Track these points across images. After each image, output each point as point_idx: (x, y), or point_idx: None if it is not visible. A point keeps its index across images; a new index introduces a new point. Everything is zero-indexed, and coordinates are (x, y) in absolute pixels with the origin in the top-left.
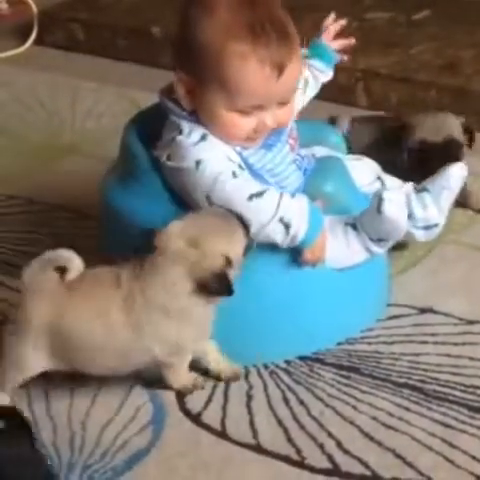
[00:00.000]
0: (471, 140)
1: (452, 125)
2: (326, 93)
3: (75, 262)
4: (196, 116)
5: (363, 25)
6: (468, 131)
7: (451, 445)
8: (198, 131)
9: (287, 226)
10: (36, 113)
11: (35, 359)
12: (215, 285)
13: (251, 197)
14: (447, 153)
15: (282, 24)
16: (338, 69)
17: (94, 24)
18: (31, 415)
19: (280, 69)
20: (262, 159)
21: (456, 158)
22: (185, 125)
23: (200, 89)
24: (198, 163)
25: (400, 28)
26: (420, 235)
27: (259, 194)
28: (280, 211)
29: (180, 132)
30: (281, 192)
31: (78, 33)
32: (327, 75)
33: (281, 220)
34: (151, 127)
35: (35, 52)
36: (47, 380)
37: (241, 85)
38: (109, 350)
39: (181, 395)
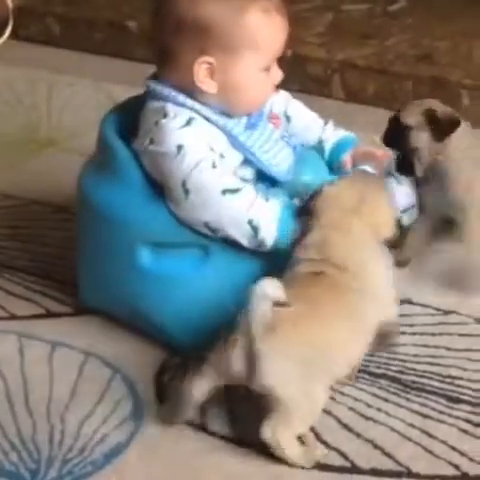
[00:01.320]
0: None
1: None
2: (302, 85)
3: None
4: (194, 99)
5: (339, 16)
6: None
7: (430, 435)
8: (184, 115)
9: (255, 230)
10: (12, 107)
11: None
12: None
13: (225, 192)
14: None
15: None
16: (313, 60)
17: (70, 18)
18: (10, 408)
19: (286, 15)
20: (250, 137)
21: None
22: (171, 109)
23: (231, 63)
24: (179, 148)
25: (376, 19)
26: (404, 219)
27: (234, 191)
28: (251, 213)
29: (164, 115)
30: (256, 194)
31: (54, 27)
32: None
33: (250, 222)
34: (128, 120)
35: (10, 46)
36: (25, 374)
37: (271, 37)
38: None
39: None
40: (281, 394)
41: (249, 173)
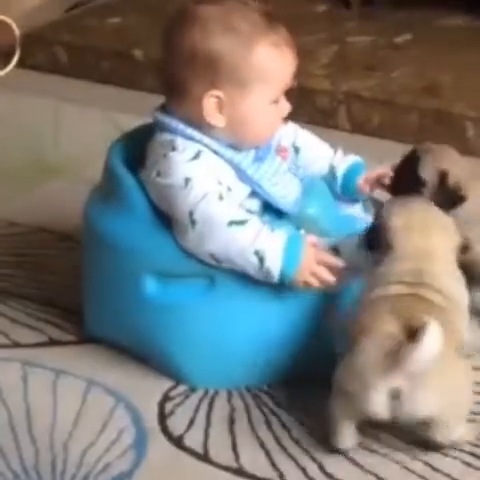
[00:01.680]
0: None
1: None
2: (308, 116)
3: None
4: (202, 132)
5: (345, 48)
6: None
7: (433, 468)
8: (192, 148)
9: (261, 260)
10: (18, 135)
11: None
12: None
13: (231, 223)
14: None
15: (273, 10)
16: (319, 92)
17: (77, 46)
18: (13, 437)
19: (294, 47)
20: (258, 170)
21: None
22: (179, 142)
23: (240, 97)
24: (187, 181)
25: (381, 51)
26: None
27: (240, 222)
28: (256, 244)
29: (173, 148)
30: (262, 225)
31: (61, 56)
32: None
33: (256, 253)
34: (135, 150)
35: (17, 75)
36: (29, 402)
37: (280, 71)
38: None
39: (163, 417)
40: (435, 412)
41: (256, 205)
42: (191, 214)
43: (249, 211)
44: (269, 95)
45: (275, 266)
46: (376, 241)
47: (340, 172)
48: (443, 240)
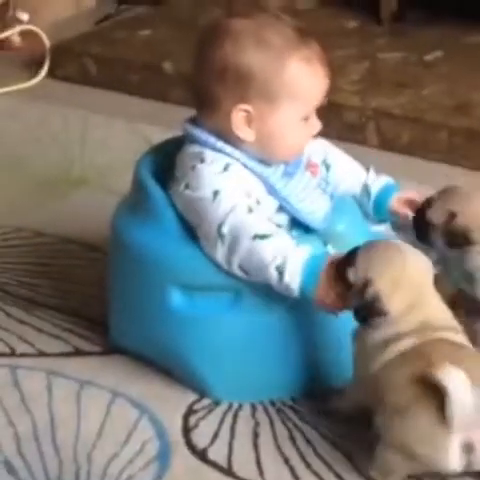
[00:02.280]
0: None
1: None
2: (336, 132)
3: None
4: (233, 146)
5: (375, 64)
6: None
7: None
8: (221, 161)
9: (281, 274)
10: (46, 146)
11: None
12: None
13: (255, 237)
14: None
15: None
16: (348, 108)
17: (106, 58)
18: (37, 447)
19: (326, 64)
20: (286, 186)
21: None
22: (208, 154)
23: (270, 112)
24: (216, 193)
25: (412, 68)
26: None
27: (264, 236)
28: (278, 259)
29: (202, 161)
30: (286, 240)
31: (90, 67)
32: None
33: (277, 268)
34: (164, 162)
35: (47, 85)
36: (53, 412)
37: (312, 86)
38: None
39: (187, 430)
40: None
41: (284, 219)
42: (220, 227)
43: (277, 225)
44: (299, 111)
45: (294, 281)
46: (368, 313)
47: (374, 191)
48: (425, 273)
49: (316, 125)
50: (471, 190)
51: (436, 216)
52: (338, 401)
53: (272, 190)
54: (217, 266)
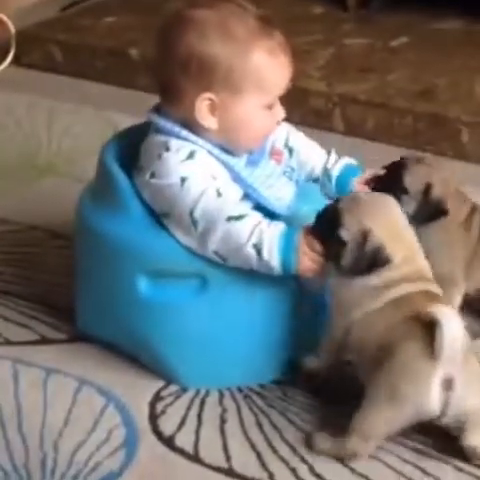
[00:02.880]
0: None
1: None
2: (302, 117)
3: None
4: (196, 134)
5: (341, 50)
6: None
7: (424, 472)
8: (186, 149)
9: (259, 252)
10: (12, 133)
11: None
12: None
13: (229, 219)
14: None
15: (271, 18)
16: (314, 94)
17: (72, 45)
18: (3, 434)
19: (290, 53)
20: (252, 174)
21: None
22: (174, 143)
23: (233, 101)
24: (183, 180)
25: (378, 54)
26: None
27: (238, 217)
28: (254, 237)
29: (167, 149)
30: (260, 218)
31: (56, 54)
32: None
33: (254, 246)
34: (129, 148)
35: (12, 72)
36: (19, 400)
37: (275, 76)
38: None
39: (154, 417)
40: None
41: (250, 206)
42: (192, 213)
43: None
44: (263, 101)
45: (273, 257)
46: (371, 264)
47: (335, 173)
48: (409, 227)
49: (280, 113)
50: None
51: (414, 185)
52: (311, 362)
53: (238, 178)
54: (183, 253)
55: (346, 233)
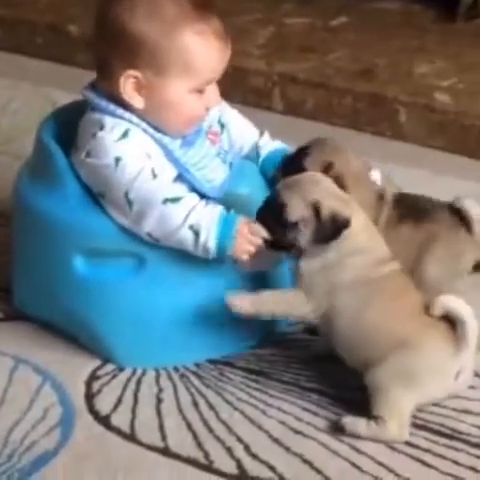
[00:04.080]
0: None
1: None
2: (242, 97)
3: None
4: (131, 112)
5: (281, 30)
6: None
7: (358, 451)
8: (121, 127)
9: (196, 233)
10: None
11: None
12: None
13: (166, 201)
14: None
15: (211, 2)
16: (254, 73)
17: (11, 20)
18: None
19: (226, 39)
20: (186, 154)
21: None
22: (108, 121)
23: (159, 81)
24: (118, 160)
25: (317, 34)
26: None
27: (174, 199)
28: (190, 218)
29: (101, 128)
30: (197, 200)
31: None
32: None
33: (191, 227)
34: (67, 126)
35: None
36: None
37: (204, 60)
38: None
39: (90, 396)
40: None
41: (184, 188)
42: (127, 194)
43: None
44: (190, 84)
45: (210, 238)
46: (331, 233)
47: (264, 153)
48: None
49: (213, 99)
50: (340, 142)
51: (313, 166)
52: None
53: (171, 157)
54: (119, 232)
55: (293, 214)
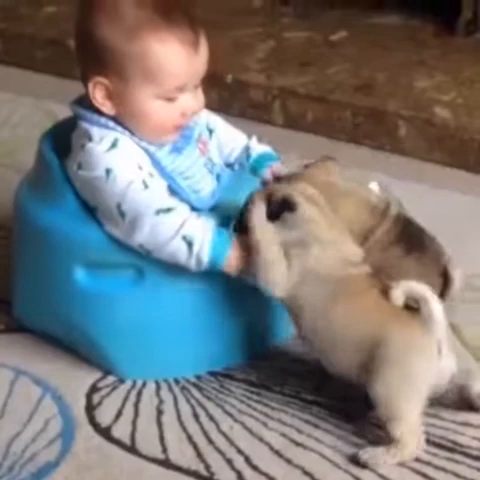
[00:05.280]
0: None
1: None
2: (242, 111)
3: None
4: (115, 121)
5: (280, 44)
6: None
7: (359, 463)
8: (109, 137)
9: (190, 244)
10: None
11: None
12: None
13: (158, 212)
14: None
15: (185, 7)
16: (254, 86)
17: (11, 34)
18: None
19: (196, 46)
20: (174, 162)
21: None
22: (95, 132)
23: (124, 88)
24: (108, 172)
25: (317, 48)
26: None
27: (167, 210)
28: (184, 229)
29: (90, 139)
30: (189, 212)
31: None
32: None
33: (184, 238)
34: (67, 139)
35: None
36: None
37: (165, 68)
38: None
39: (90, 408)
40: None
41: (176, 199)
42: (119, 206)
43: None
44: (154, 91)
45: (204, 250)
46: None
47: (254, 154)
48: None
49: (190, 105)
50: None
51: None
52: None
53: (157, 166)
54: (119, 244)
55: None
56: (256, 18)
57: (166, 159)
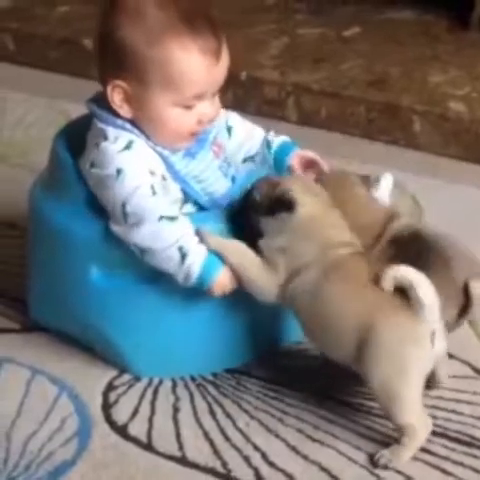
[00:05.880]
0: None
1: None
2: (256, 107)
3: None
4: (132, 124)
5: (294, 40)
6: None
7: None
8: (124, 138)
9: (184, 256)
10: None
11: None
12: None
13: (161, 218)
14: None
15: (208, 14)
16: (268, 83)
17: (25, 34)
18: None
19: (217, 55)
20: (187, 166)
21: None
22: (111, 131)
23: (142, 93)
24: (119, 172)
25: (330, 44)
26: None
27: (170, 218)
28: (182, 240)
29: (105, 138)
30: (191, 227)
31: (8, 43)
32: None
33: (180, 249)
34: (81, 138)
35: None
36: None
37: (186, 76)
38: None
39: (107, 406)
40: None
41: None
42: (124, 206)
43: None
44: (173, 98)
45: (196, 264)
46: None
47: (275, 146)
48: None
49: (207, 113)
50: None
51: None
52: None
53: (171, 169)
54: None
55: (257, 195)
56: (269, 15)
57: (180, 163)
